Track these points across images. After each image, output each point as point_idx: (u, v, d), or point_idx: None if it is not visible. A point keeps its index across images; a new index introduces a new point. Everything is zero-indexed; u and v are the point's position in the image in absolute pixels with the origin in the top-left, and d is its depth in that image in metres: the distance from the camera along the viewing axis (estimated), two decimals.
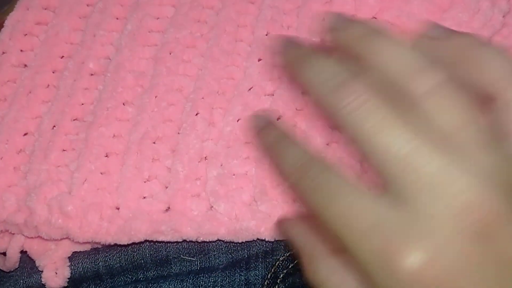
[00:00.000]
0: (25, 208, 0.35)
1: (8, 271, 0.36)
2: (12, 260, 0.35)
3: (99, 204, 0.35)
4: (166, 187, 0.35)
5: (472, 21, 0.38)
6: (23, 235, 0.36)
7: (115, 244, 0.35)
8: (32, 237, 0.36)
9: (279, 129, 0.27)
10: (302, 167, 0.24)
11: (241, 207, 0.34)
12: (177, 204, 0.35)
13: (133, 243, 0.35)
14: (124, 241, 0.34)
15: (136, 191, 0.35)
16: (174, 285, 0.35)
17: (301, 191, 0.24)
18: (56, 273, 0.35)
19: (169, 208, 0.35)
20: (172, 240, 0.34)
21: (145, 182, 0.35)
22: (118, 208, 0.35)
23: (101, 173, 0.36)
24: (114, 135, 0.37)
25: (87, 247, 0.36)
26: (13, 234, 0.36)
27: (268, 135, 0.27)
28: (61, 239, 0.35)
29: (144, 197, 0.35)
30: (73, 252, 0.36)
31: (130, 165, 0.36)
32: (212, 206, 0.35)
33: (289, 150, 0.25)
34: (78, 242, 0.35)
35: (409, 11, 0.39)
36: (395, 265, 0.21)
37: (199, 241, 0.34)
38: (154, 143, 0.37)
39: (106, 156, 0.36)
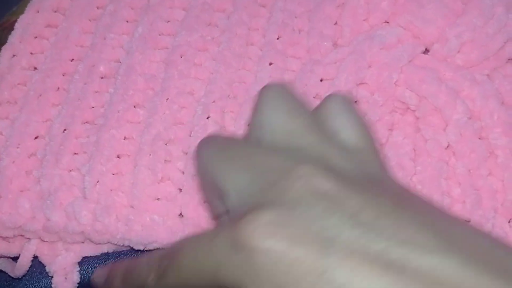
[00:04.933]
0: (41, 215, 0.35)
1: (16, 277, 0.36)
2: (24, 266, 0.35)
3: (113, 206, 0.35)
4: (180, 189, 0.35)
5: (486, 27, 0.37)
6: (42, 240, 0.35)
7: (128, 249, 0.35)
8: (46, 241, 0.36)
9: None
10: None
11: None
12: (191, 210, 0.34)
13: None
14: (140, 248, 0.34)
15: (150, 192, 0.35)
16: None
17: None
18: (66, 278, 0.35)
19: (182, 214, 0.35)
20: None
21: (158, 183, 0.35)
22: (132, 207, 0.35)
23: (113, 174, 0.36)
24: (125, 137, 0.37)
25: (98, 252, 0.36)
26: (27, 239, 0.36)
27: None
28: (77, 243, 0.36)
29: (158, 199, 0.35)
30: (83, 257, 0.36)
31: (143, 166, 0.35)
32: None
33: None
34: (89, 247, 0.35)
35: (423, 16, 0.39)
36: None
37: None
38: (166, 144, 0.36)
39: (118, 157, 0.36)
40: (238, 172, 0.25)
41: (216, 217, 0.30)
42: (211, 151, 0.27)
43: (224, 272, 0.22)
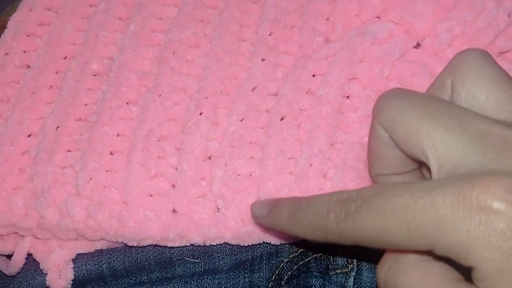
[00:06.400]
0: (34, 213, 0.35)
1: (10, 275, 0.36)
2: (18, 264, 0.35)
3: (106, 202, 0.35)
4: (173, 185, 0.35)
5: (477, 21, 0.38)
6: (36, 237, 0.36)
7: (122, 245, 0.35)
8: (40, 238, 0.36)
9: None
10: None
11: (247, 210, 0.34)
12: (184, 206, 0.34)
13: None
14: (133, 244, 0.35)
15: (143, 189, 0.35)
16: (178, 287, 0.35)
17: None
18: (60, 275, 0.35)
19: (175, 209, 0.35)
20: (180, 245, 0.34)
21: (151, 179, 0.35)
22: (125, 203, 0.35)
23: (106, 171, 0.36)
24: (118, 134, 0.37)
25: (91, 249, 0.36)
26: (21, 236, 0.36)
27: None
28: (71, 240, 0.36)
29: (151, 195, 0.35)
30: (77, 254, 0.36)
31: (136, 162, 0.36)
32: (219, 209, 0.35)
33: None
34: (82, 244, 0.36)
35: (414, 10, 0.39)
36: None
37: (206, 245, 0.34)
38: (159, 141, 0.36)
39: (111, 154, 0.36)
40: (449, 132, 0.23)
41: (380, 175, 0.28)
42: (406, 103, 0.25)
43: (450, 230, 0.21)
